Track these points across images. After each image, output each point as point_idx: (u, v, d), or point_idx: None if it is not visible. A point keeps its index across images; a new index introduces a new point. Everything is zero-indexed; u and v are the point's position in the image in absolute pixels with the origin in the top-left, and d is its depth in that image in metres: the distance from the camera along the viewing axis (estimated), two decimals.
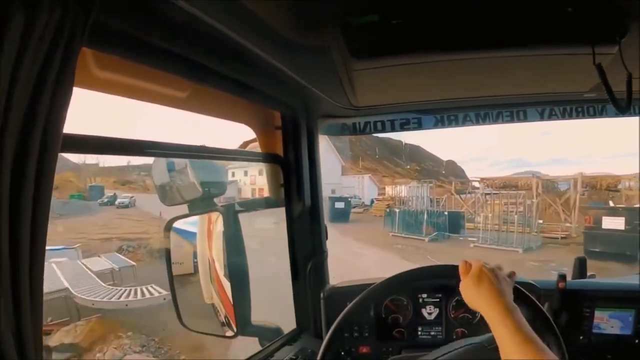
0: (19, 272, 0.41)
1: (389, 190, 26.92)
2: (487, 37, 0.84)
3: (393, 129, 1.38)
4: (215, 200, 1.24)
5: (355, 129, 1.38)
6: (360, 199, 27.95)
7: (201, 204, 1.23)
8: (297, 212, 1.27)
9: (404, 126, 1.38)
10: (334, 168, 32.97)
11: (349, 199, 20.13)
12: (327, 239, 1.40)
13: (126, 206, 18.72)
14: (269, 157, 1.23)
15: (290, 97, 1.18)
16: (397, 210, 15.79)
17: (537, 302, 0.89)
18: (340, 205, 17.99)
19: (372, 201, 26.33)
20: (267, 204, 1.31)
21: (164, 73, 0.76)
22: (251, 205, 1.33)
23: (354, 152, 47.56)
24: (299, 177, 1.25)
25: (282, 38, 0.79)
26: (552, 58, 0.93)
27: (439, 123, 1.39)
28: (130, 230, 13.34)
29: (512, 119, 1.40)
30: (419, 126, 1.39)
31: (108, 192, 22.48)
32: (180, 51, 0.72)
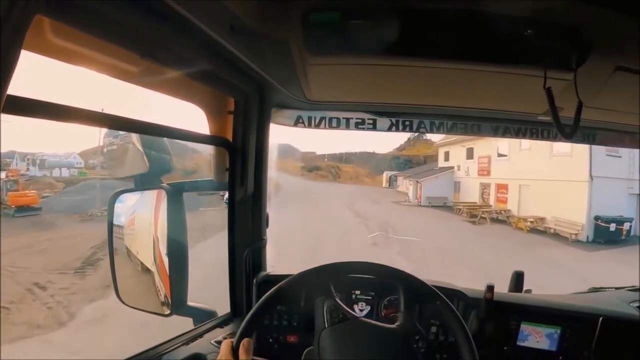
0: None
1: None
2: (445, 48, 0.86)
3: (348, 127, 1.39)
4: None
5: (310, 122, 1.40)
6: None
7: (149, 180, 1.23)
8: (239, 197, 1.28)
9: (359, 125, 1.41)
10: None
11: None
12: (267, 226, 1.41)
13: None
14: (216, 140, 1.23)
15: (245, 84, 1.19)
16: None
17: (451, 305, 0.94)
18: None
19: None
20: (212, 186, 1.32)
21: (116, 46, 0.76)
22: (196, 187, 1.34)
23: None
24: (244, 163, 1.26)
25: (242, 25, 0.79)
26: (507, 77, 0.96)
27: (393, 127, 1.42)
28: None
29: (465, 131, 1.44)
30: (374, 127, 1.41)
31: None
32: (134, 25, 0.72)
